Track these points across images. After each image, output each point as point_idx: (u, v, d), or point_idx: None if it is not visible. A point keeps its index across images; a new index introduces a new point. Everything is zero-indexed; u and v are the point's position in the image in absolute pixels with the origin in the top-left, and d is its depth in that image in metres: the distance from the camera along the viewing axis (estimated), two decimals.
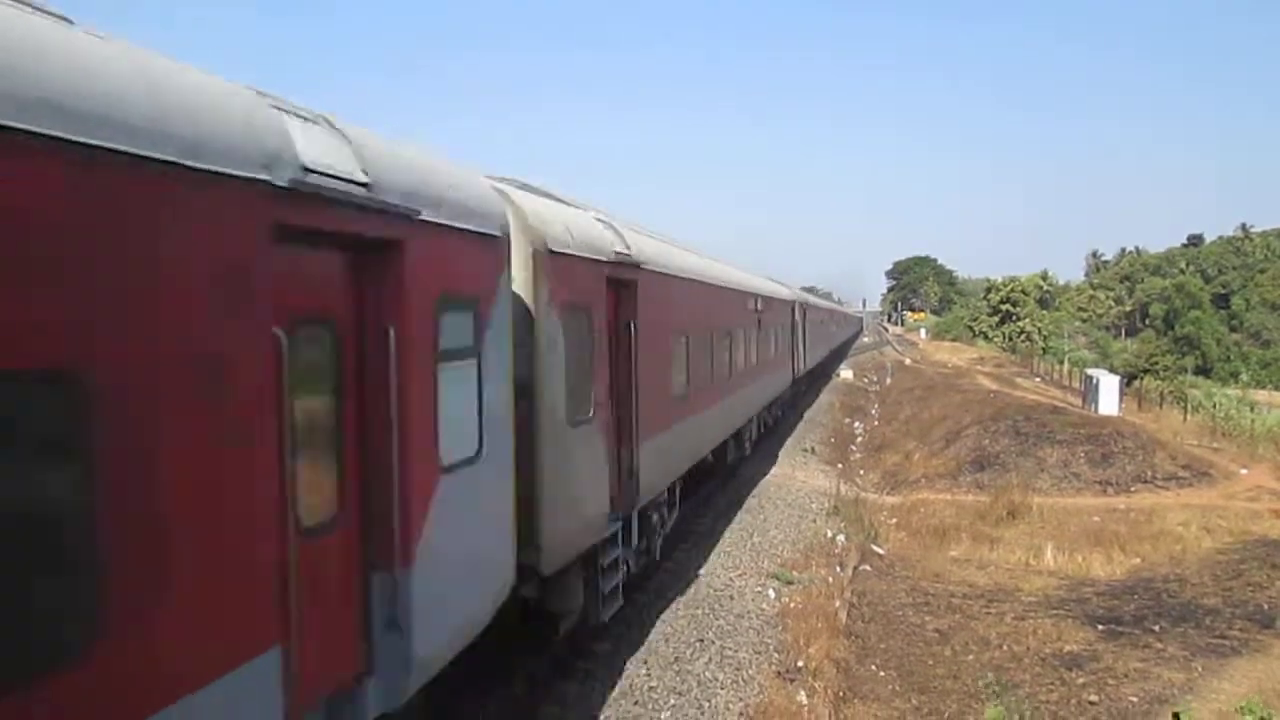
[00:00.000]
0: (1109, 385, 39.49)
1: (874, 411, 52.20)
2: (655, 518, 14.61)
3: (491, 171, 9.55)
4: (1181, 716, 12.76)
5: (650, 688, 11.85)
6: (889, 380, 67.46)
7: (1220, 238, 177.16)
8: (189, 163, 4.07)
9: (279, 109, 5.19)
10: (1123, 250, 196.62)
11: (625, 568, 12.64)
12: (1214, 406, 43.94)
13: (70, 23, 3.86)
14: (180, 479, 4.06)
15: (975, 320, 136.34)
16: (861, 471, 34.29)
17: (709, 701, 11.79)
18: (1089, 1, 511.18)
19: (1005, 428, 34.33)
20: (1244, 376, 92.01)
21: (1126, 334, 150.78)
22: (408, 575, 6.15)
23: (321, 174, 5.19)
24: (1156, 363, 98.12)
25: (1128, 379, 54.33)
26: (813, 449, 34.79)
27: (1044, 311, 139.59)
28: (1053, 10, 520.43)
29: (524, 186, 10.27)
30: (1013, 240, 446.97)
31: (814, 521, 22.70)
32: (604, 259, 11.15)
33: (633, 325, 12.27)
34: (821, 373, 60.57)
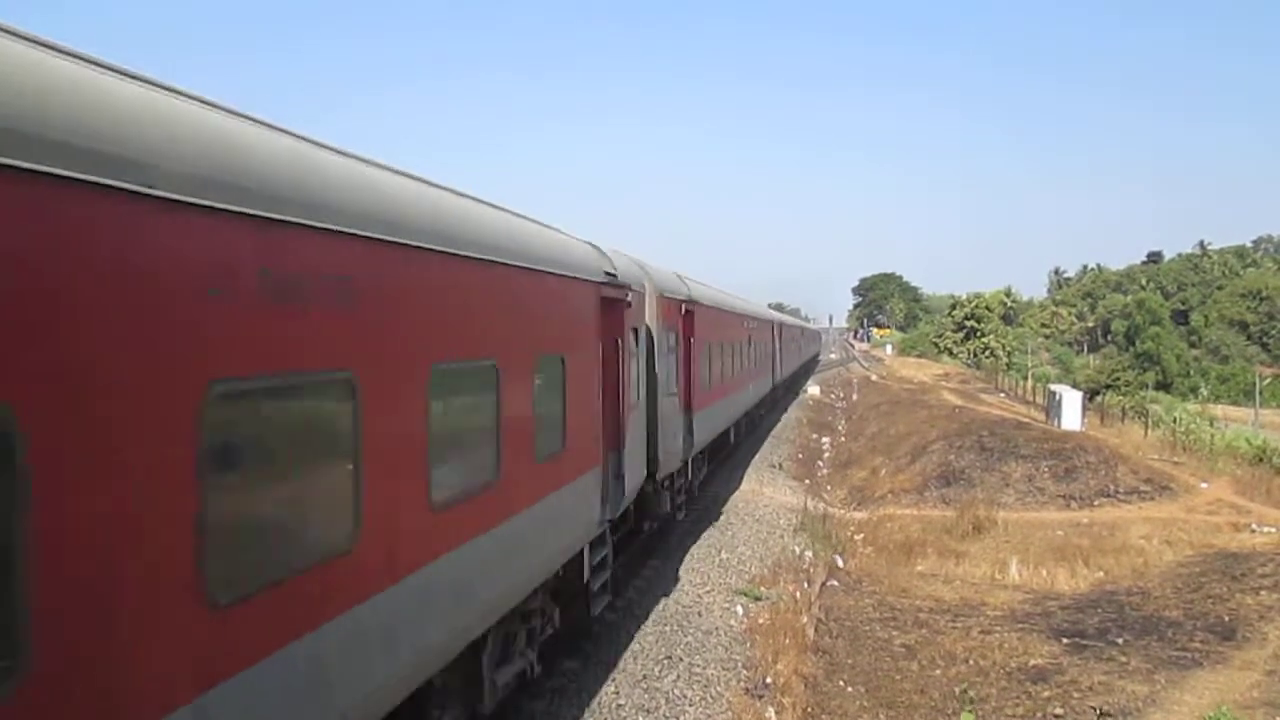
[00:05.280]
0: (1072, 401, 39.96)
1: (841, 427, 52.44)
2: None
3: None
4: None
5: (618, 705, 11.80)
6: (855, 396, 67.83)
7: (1179, 255, 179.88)
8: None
9: (596, 247, 12.61)
10: (1084, 267, 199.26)
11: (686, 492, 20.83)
12: (1174, 421, 44.57)
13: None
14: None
15: (940, 336, 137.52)
16: (829, 487, 34.43)
17: (677, 719, 11.76)
18: (1053, 26, 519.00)
19: (970, 443, 34.61)
20: (1203, 391, 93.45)
21: (1089, 350, 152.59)
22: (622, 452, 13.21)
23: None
24: (1118, 378, 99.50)
25: (1090, 394, 55.02)
26: (780, 465, 34.86)
27: (1008, 327, 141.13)
28: (1015, 34, 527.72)
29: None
30: (977, 257, 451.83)
31: (782, 537, 22.73)
32: (682, 297, 19.02)
33: (691, 339, 19.92)
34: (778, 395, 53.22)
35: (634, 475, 14.13)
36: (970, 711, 13.68)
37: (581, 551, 11.55)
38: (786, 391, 58.57)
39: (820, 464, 39.53)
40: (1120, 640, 17.39)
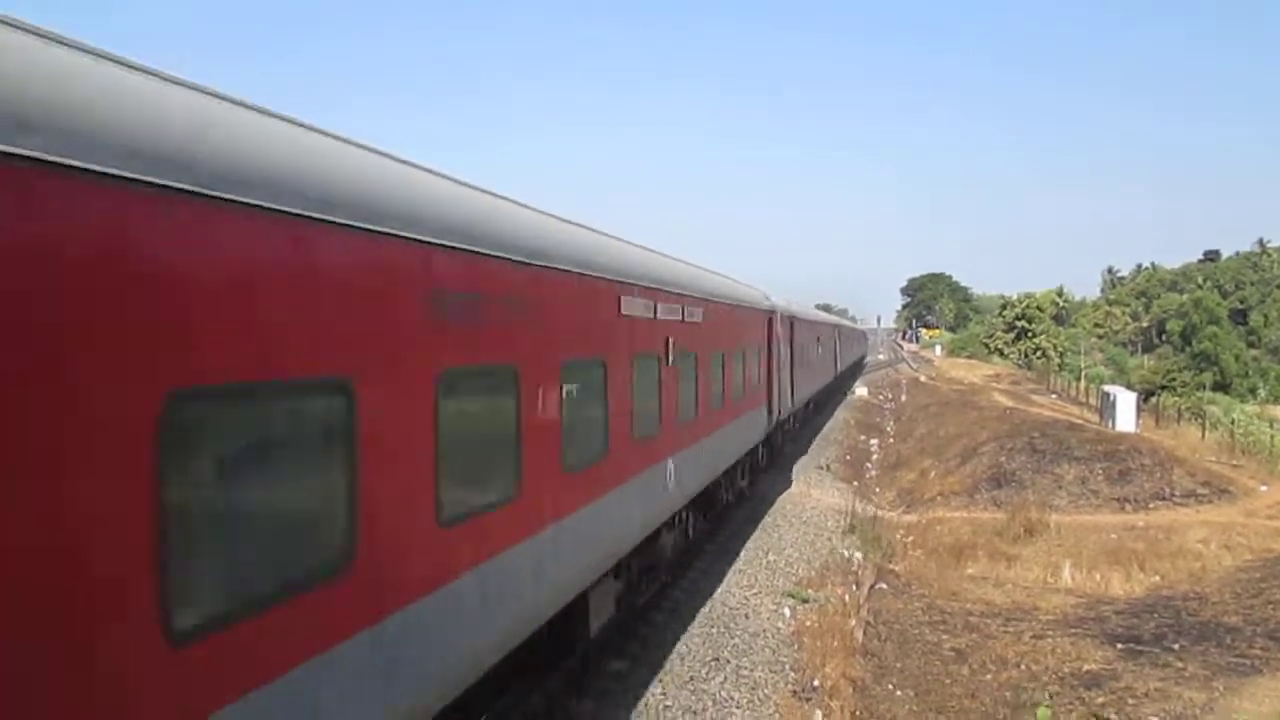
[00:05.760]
0: (1126, 402, 39.27)
1: (889, 429, 52.02)
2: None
3: None
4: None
5: (665, 706, 11.80)
6: (904, 397, 67.24)
7: (1237, 253, 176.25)
8: None
9: (754, 289, 15.00)
10: (1139, 266, 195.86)
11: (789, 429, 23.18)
12: (1232, 423, 43.61)
13: None
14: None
15: (991, 337, 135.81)
16: (877, 489, 34.16)
17: None
18: (1102, 20, 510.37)
19: (1022, 445, 34.15)
20: (1262, 392, 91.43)
21: (1143, 350, 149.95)
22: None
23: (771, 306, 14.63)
24: (1174, 379, 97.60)
25: (1145, 395, 54.01)
26: (828, 466, 34.66)
27: (1060, 328, 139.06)
28: (1061, 32, 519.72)
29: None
30: (1028, 257, 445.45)
31: (830, 540, 22.59)
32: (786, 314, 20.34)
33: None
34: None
35: None
36: (1047, 707, 13.56)
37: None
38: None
39: (868, 466, 39.22)
40: (1177, 646, 17.06)
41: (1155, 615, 19.09)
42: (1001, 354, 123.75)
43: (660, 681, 12.50)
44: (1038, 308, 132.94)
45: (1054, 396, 61.33)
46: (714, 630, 14.76)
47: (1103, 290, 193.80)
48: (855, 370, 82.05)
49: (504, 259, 7.54)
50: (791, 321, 28.76)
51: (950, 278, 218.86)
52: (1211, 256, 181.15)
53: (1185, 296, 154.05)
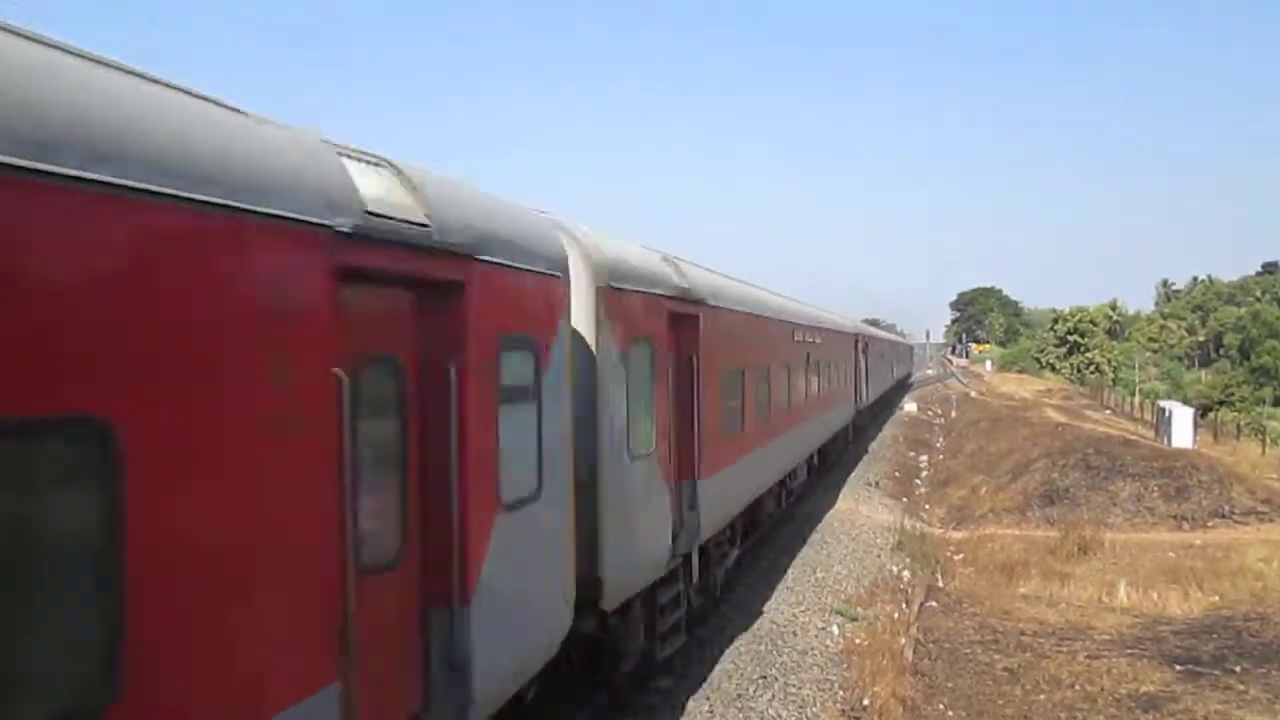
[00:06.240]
0: (1182, 417, 38.54)
1: (939, 445, 51.49)
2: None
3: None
4: None
5: None
6: (954, 413, 66.51)
7: None
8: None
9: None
10: (1194, 279, 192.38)
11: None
12: None
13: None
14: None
15: (1042, 352, 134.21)
16: (927, 506, 33.79)
17: None
18: (1162, 33, 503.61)
19: (1075, 461, 33.63)
20: None
21: (1200, 365, 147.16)
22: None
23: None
24: (1232, 394, 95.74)
25: (1202, 411, 52.97)
26: (876, 483, 34.38)
27: (1113, 342, 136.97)
28: (1118, 45, 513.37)
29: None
30: (1080, 270, 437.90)
31: (878, 557, 22.39)
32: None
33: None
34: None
35: None
36: None
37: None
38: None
39: (918, 482, 38.83)
40: (1238, 668, 16.65)
41: (1215, 636, 18.65)
42: (1053, 369, 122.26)
43: (708, 699, 12.44)
44: (1091, 321, 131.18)
45: (1108, 412, 60.37)
46: (762, 647, 14.67)
47: (1157, 304, 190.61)
48: (898, 391, 77.05)
49: None
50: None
51: (1000, 291, 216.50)
52: (1270, 269, 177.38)
53: (1243, 309, 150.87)
